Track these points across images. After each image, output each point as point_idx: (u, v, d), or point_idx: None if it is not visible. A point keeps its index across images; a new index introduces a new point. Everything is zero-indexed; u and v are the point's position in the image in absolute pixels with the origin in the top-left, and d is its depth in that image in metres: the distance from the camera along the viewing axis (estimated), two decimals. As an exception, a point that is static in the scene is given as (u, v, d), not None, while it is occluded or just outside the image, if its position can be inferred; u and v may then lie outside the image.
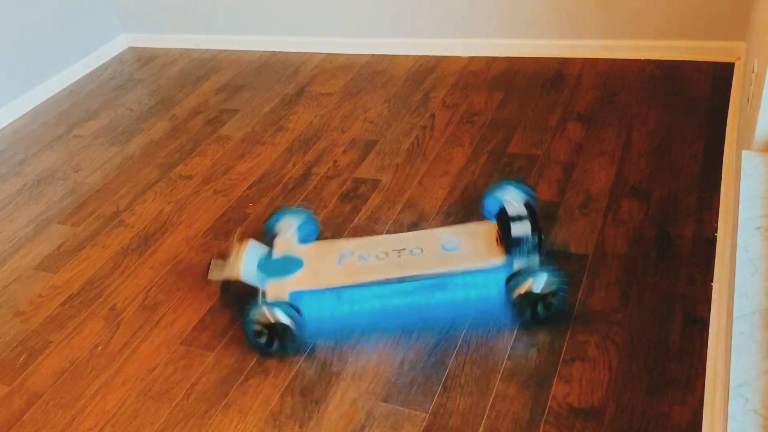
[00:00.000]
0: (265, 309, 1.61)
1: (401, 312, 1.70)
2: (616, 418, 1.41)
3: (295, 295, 1.68)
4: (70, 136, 2.92)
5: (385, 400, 1.54)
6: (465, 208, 2.06)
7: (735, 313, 1.12)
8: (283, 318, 1.61)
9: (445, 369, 1.59)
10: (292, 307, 1.62)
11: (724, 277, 1.56)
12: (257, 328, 1.63)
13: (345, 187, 2.26)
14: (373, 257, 1.72)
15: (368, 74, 2.96)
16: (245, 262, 1.71)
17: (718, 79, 2.44)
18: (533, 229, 1.63)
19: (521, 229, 1.63)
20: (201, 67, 3.33)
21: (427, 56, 3.01)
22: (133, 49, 3.69)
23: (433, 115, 2.57)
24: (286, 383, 1.62)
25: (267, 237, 1.88)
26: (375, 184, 2.25)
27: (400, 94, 2.75)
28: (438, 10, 2.91)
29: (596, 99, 2.48)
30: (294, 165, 2.43)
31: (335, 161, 2.41)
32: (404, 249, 1.73)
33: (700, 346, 1.51)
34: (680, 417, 1.39)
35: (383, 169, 2.31)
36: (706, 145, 2.13)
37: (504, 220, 1.68)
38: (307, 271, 1.72)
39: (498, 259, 1.65)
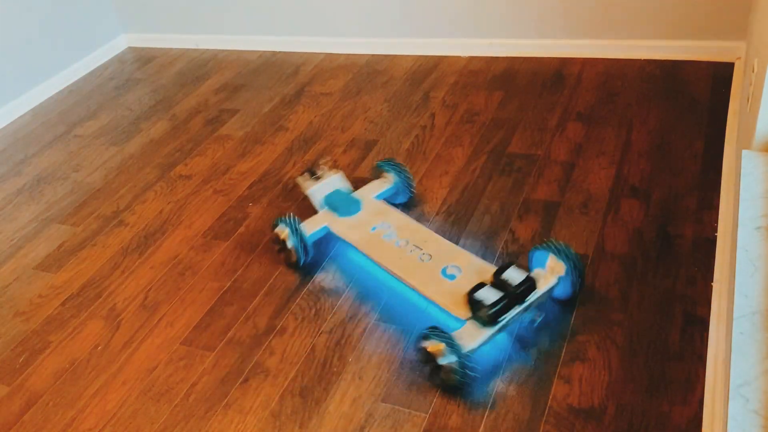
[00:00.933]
0: (281, 226, 1.89)
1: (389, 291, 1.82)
2: (616, 418, 1.41)
3: (326, 230, 1.94)
4: (70, 136, 2.93)
5: (385, 400, 1.54)
6: (465, 208, 2.06)
7: (735, 313, 1.12)
8: (289, 241, 1.87)
9: (445, 369, 1.59)
10: (302, 240, 1.86)
11: (724, 277, 1.56)
12: (274, 237, 1.93)
13: (345, 187, 2.26)
14: (395, 240, 1.84)
15: (368, 74, 2.96)
16: (316, 189, 2.02)
17: (718, 79, 2.44)
18: (499, 303, 1.50)
19: (486, 294, 1.53)
20: (201, 67, 3.33)
21: (427, 56, 3.01)
22: (133, 49, 3.69)
23: (433, 115, 2.57)
24: (286, 383, 1.62)
25: (374, 172, 2.12)
26: (375, 184, 2.25)
27: (400, 94, 2.75)
28: (438, 10, 2.91)
29: (596, 99, 2.48)
30: (294, 165, 2.43)
31: (335, 161, 2.41)
32: (420, 249, 1.79)
33: (700, 346, 1.51)
34: (680, 417, 1.39)
35: (383, 169, 2.31)
36: (706, 145, 2.13)
37: (494, 275, 1.60)
38: (350, 220, 1.93)
39: (458, 309, 1.59)
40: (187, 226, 2.22)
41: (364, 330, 1.72)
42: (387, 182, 2.07)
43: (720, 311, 1.51)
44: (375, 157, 2.38)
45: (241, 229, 2.16)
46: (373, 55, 3.10)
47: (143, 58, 3.55)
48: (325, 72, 3.05)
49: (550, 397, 1.48)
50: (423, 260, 1.75)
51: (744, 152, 1.48)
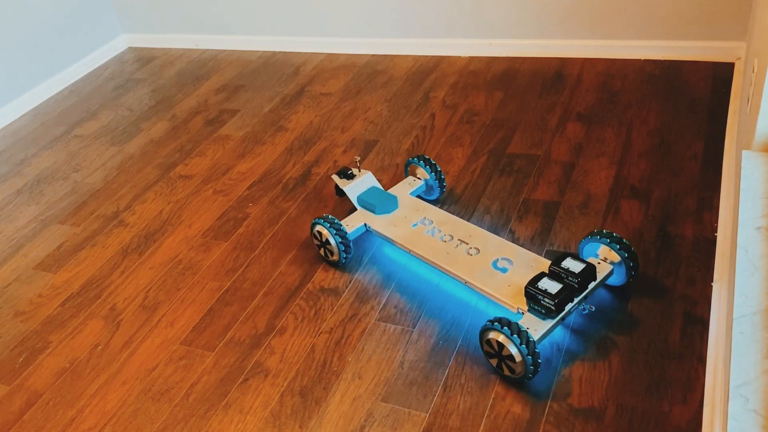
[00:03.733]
0: (319, 227, 1.89)
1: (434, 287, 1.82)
2: (616, 418, 1.41)
3: (364, 228, 1.93)
4: (70, 136, 2.93)
5: (385, 400, 1.54)
6: (465, 208, 2.07)
7: (735, 313, 1.12)
8: (331, 239, 1.87)
9: (445, 369, 1.59)
10: (343, 238, 1.85)
11: (724, 277, 1.56)
12: (315, 233, 1.92)
13: (345, 187, 2.26)
14: (440, 235, 1.83)
15: (368, 74, 2.96)
16: (351, 187, 2.02)
17: (718, 79, 2.44)
18: (559, 294, 1.49)
19: (548, 284, 1.52)
20: (201, 67, 3.33)
21: (427, 56, 3.01)
22: (133, 49, 3.69)
23: (433, 115, 2.57)
24: (286, 383, 1.62)
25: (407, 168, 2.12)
26: (375, 184, 2.25)
27: (400, 94, 2.75)
28: (438, 10, 2.91)
29: (596, 99, 2.48)
30: (294, 165, 2.43)
31: (335, 161, 2.41)
32: (467, 244, 1.78)
33: (700, 346, 1.51)
34: (680, 417, 1.39)
35: (383, 169, 2.31)
36: (706, 145, 2.13)
37: (551, 265, 1.59)
38: (388, 218, 1.93)
39: (514, 302, 1.59)
40: (187, 226, 2.22)
41: (364, 330, 1.72)
42: (419, 179, 2.08)
43: (720, 311, 1.51)
44: (375, 158, 2.38)
45: (241, 229, 2.16)
46: (373, 55, 3.10)
47: (143, 58, 3.55)
48: (325, 72, 3.05)
49: (550, 396, 1.48)
50: (471, 254, 1.74)
51: (744, 152, 1.48)
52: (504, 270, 1.67)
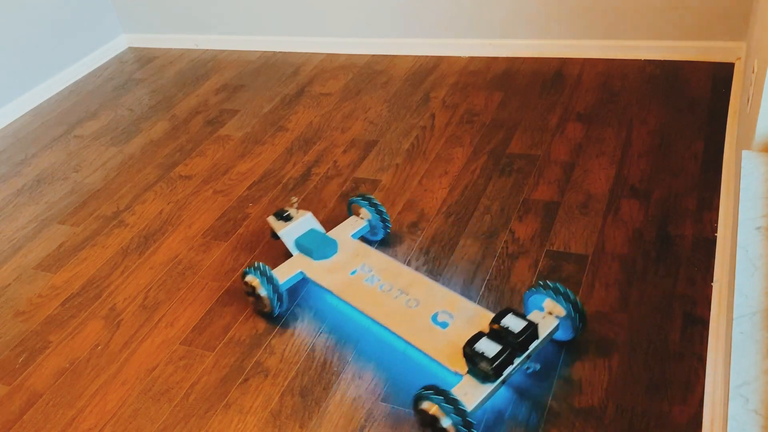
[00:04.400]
0: (250, 276, 1.75)
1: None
2: (616, 418, 1.41)
3: (300, 275, 1.80)
4: (70, 136, 2.92)
5: (385, 400, 1.54)
6: (465, 208, 2.06)
7: (735, 313, 1.12)
8: (263, 290, 1.73)
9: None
10: (276, 289, 1.73)
11: (724, 277, 1.56)
12: (245, 282, 1.79)
13: (345, 187, 2.26)
14: (378, 283, 1.70)
15: (368, 74, 2.96)
16: (288, 230, 1.88)
17: (718, 79, 2.44)
18: (498, 357, 1.38)
19: (486, 346, 1.40)
20: (201, 67, 3.33)
21: (427, 56, 3.01)
22: (133, 49, 3.69)
23: (433, 115, 2.57)
24: (286, 383, 1.62)
25: (349, 209, 2.00)
26: (375, 184, 2.25)
27: (400, 94, 2.75)
28: (438, 10, 2.91)
29: (596, 99, 2.48)
30: (294, 165, 2.44)
31: (335, 161, 2.41)
32: (407, 294, 1.65)
33: (700, 346, 1.51)
34: (680, 417, 1.39)
35: (383, 169, 2.31)
36: (706, 145, 2.13)
37: (491, 323, 1.47)
38: (326, 264, 1.80)
39: (452, 363, 1.46)
40: (187, 226, 2.22)
41: (364, 330, 1.72)
42: (362, 220, 1.94)
43: (720, 311, 1.51)
44: (375, 158, 2.38)
45: (241, 230, 2.16)
46: (373, 55, 3.10)
47: (143, 58, 3.55)
48: (325, 72, 3.05)
49: (550, 396, 1.48)
50: (410, 306, 1.61)
51: (744, 152, 1.48)
52: (444, 325, 1.55)
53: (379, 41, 3.09)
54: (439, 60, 2.96)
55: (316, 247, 1.82)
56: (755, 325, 1.08)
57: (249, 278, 1.76)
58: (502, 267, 1.83)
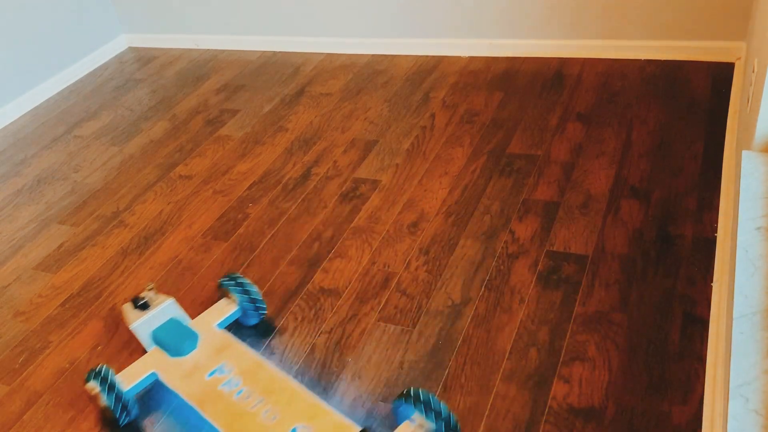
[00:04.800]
0: (92, 382, 1.53)
1: None
2: (616, 418, 1.41)
3: (154, 377, 1.59)
4: (70, 136, 2.93)
5: (385, 400, 1.54)
6: (465, 208, 2.06)
7: (735, 313, 1.12)
8: (103, 400, 1.52)
9: (445, 369, 1.59)
10: (120, 397, 1.50)
11: (724, 277, 1.56)
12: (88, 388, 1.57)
13: (345, 187, 2.26)
14: (237, 390, 1.50)
15: (368, 74, 2.96)
16: (143, 322, 1.66)
17: (718, 79, 2.45)
18: None
19: None
20: (201, 67, 3.33)
21: (427, 56, 3.01)
22: (133, 49, 3.69)
23: (433, 115, 2.57)
24: (286, 383, 1.62)
25: (219, 291, 1.79)
26: (375, 184, 2.25)
27: (400, 94, 2.75)
28: (438, 10, 2.91)
29: (596, 99, 2.48)
30: (294, 165, 2.44)
31: (335, 161, 2.41)
32: (267, 404, 1.46)
33: (700, 346, 1.52)
34: (680, 417, 1.39)
35: (383, 169, 2.31)
36: (706, 145, 2.13)
37: None
38: (182, 362, 1.58)
39: None
40: (187, 226, 2.22)
41: (364, 330, 1.72)
42: (231, 305, 1.72)
43: (720, 311, 1.51)
44: (375, 158, 2.38)
45: (241, 230, 2.16)
46: (373, 55, 3.11)
47: (143, 58, 3.55)
48: (325, 72, 3.05)
49: (550, 396, 1.48)
50: (268, 419, 1.42)
51: (744, 152, 1.49)
52: None
53: (379, 41, 3.09)
54: (439, 60, 2.96)
55: (172, 341, 1.60)
56: (755, 325, 1.08)
57: (90, 386, 1.54)
58: (502, 267, 1.83)
